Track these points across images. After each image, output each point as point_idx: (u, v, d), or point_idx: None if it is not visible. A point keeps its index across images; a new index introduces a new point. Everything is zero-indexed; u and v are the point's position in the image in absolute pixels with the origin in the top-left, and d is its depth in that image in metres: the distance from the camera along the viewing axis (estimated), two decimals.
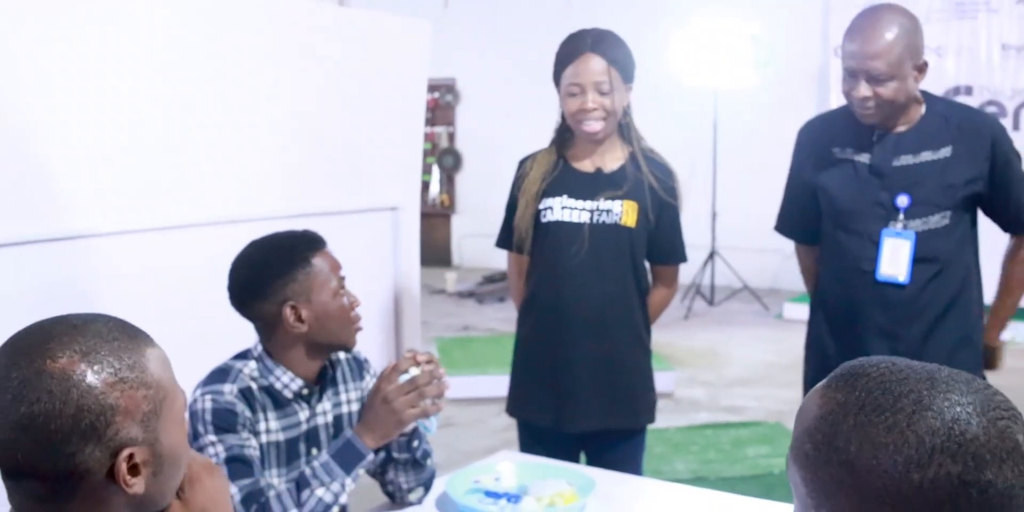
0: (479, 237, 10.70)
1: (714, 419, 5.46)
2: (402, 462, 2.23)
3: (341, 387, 2.28)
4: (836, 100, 8.68)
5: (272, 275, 2.13)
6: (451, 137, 10.98)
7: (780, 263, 9.08)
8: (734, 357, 6.96)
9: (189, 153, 2.98)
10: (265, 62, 3.19)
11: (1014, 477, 0.96)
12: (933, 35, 8.14)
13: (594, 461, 2.77)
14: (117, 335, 1.19)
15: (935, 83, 8.05)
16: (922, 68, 2.55)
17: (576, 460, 2.80)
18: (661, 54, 7.79)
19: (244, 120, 3.14)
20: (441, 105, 10.82)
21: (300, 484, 2.06)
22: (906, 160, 2.61)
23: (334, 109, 3.47)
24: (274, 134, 3.27)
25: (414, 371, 2.12)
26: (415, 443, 2.22)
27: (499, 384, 5.61)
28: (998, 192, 2.62)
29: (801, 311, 8.11)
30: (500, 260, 11.31)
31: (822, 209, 2.75)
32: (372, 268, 3.71)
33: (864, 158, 2.65)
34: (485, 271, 9.96)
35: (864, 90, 2.51)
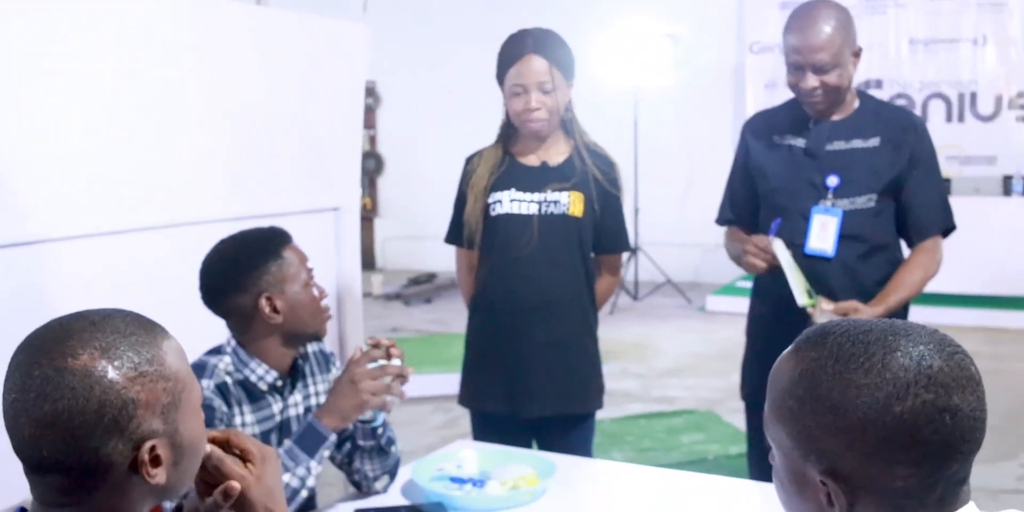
0: (402, 239, 10.74)
1: (647, 409, 5.59)
2: (367, 450, 2.29)
3: (310, 380, 2.35)
4: (752, 97, 8.92)
5: (247, 268, 2.19)
6: (372, 140, 11.00)
7: (701, 257, 9.28)
8: (662, 349, 7.11)
9: (131, 158, 2.98)
10: (206, 65, 3.21)
11: (975, 401, 1.12)
12: None
13: (546, 447, 2.85)
14: (134, 330, 1.22)
15: None
16: (858, 53, 2.76)
17: (528, 447, 2.88)
18: (583, 55, 7.87)
19: (186, 124, 3.16)
20: None
21: None
22: (838, 145, 2.81)
23: (275, 112, 3.50)
24: (216, 137, 3.29)
25: (383, 362, 2.19)
26: (380, 430, 2.28)
27: (434, 383, 5.71)
28: (907, 191, 2.81)
29: (724, 303, 8.33)
30: (425, 262, 11.30)
31: (760, 193, 2.92)
32: (315, 269, 3.74)
33: (800, 142, 2.84)
34: (410, 273, 10.00)
35: (812, 81, 2.70)
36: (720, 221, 3.09)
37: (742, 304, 9.22)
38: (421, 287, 9.38)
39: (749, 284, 9.56)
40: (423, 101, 10.31)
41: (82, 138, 2.82)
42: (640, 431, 5.12)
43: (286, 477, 2.10)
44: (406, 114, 10.58)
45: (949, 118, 8.42)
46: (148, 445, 1.19)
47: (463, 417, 5.46)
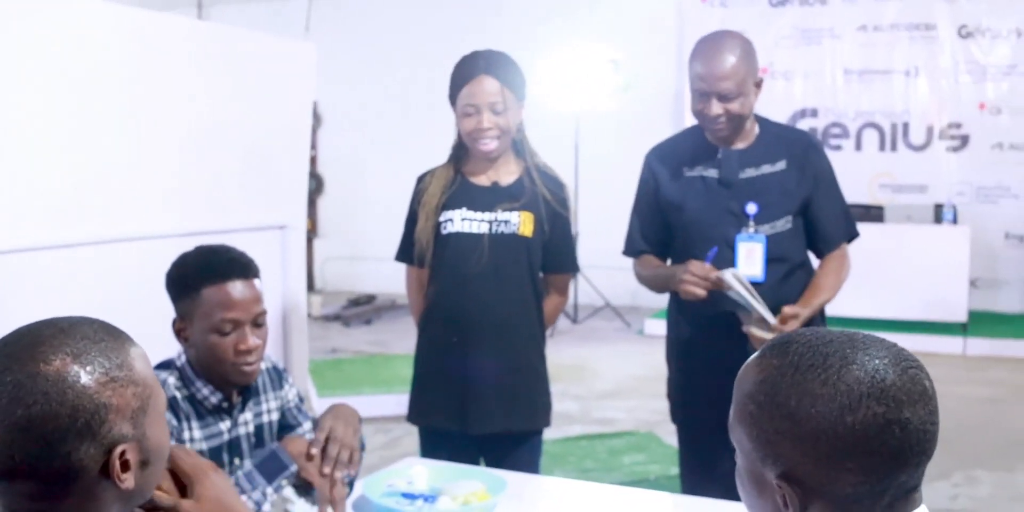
0: (342, 260, 10.71)
1: (588, 430, 5.62)
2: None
3: (263, 397, 2.32)
4: (690, 121, 9.03)
5: (171, 286, 2.17)
6: (312, 160, 10.97)
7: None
8: (601, 371, 7.15)
9: (79, 172, 2.98)
10: (153, 82, 3.21)
11: (926, 415, 1.18)
12: (781, 60, 8.58)
13: (494, 464, 2.86)
14: (103, 336, 1.24)
15: (784, 105, 8.47)
16: (759, 84, 2.84)
17: (476, 464, 2.89)
18: (527, 78, 7.96)
19: (133, 139, 3.15)
20: None
21: None
22: (750, 173, 2.89)
23: (222, 128, 3.51)
24: (164, 154, 3.28)
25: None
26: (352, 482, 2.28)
27: (373, 404, 5.70)
28: (813, 207, 2.91)
29: (662, 327, 8.36)
30: (364, 283, 11.26)
31: (675, 224, 2.97)
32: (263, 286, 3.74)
33: (712, 173, 2.90)
34: (349, 294, 9.98)
35: (716, 108, 2.77)
36: (630, 252, 3.14)
37: None
38: (361, 308, 9.35)
39: None
40: (364, 121, 10.32)
41: (27, 153, 2.81)
42: (582, 452, 5.15)
43: (242, 499, 2.09)
44: (347, 134, 10.58)
45: (882, 147, 8.61)
46: (119, 450, 1.20)
47: (405, 437, 5.46)
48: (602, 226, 9.37)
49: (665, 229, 3.02)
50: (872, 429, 1.15)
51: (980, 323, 7.78)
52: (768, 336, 2.69)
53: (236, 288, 2.12)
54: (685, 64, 10.09)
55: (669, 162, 2.99)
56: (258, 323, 2.17)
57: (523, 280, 2.91)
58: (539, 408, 2.97)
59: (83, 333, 1.22)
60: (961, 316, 7.62)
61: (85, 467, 1.18)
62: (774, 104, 8.20)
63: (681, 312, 3.02)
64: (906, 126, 8.49)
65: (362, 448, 2.34)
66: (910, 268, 7.50)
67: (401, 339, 8.09)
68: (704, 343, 2.94)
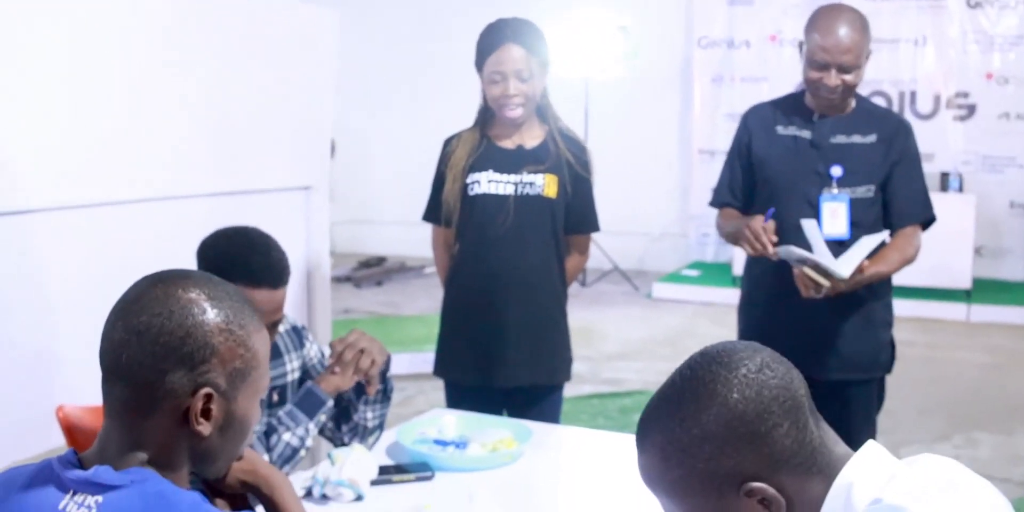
0: (352, 223, 10.80)
1: (598, 390, 5.76)
2: (375, 396, 2.42)
3: (284, 358, 2.46)
4: (699, 91, 9.11)
5: (201, 265, 2.26)
6: None
7: (648, 245, 9.48)
8: (610, 334, 7.27)
9: (115, 134, 3.07)
10: (182, 44, 3.30)
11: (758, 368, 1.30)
12: (791, 28, 8.60)
13: (517, 416, 2.98)
14: (243, 302, 1.37)
15: (793, 73, 8.45)
16: (869, 56, 2.96)
17: (500, 415, 3.02)
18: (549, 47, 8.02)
19: (161, 100, 3.23)
20: None
21: (268, 432, 2.23)
22: (840, 139, 3.02)
23: (251, 93, 3.60)
24: (193, 116, 3.37)
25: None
26: (387, 373, 2.45)
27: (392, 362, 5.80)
28: (892, 183, 3.03)
29: (669, 291, 8.53)
30: (374, 245, 11.28)
31: (760, 179, 3.11)
32: (286, 246, 3.84)
33: (805, 134, 3.04)
34: (359, 256, 10.08)
35: (834, 79, 2.90)
36: (715, 203, 3.25)
37: (687, 291, 9.38)
38: (371, 270, 9.46)
39: (694, 273, 9.70)
40: (374, 85, 10.37)
41: (62, 114, 2.90)
42: (593, 410, 5.29)
43: (286, 436, 2.23)
44: (359, 99, 10.63)
45: None
46: (206, 390, 1.30)
47: (418, 396, 5.60)
48: (611, 191, 9.39)
49: (751, 185, 3.15)
50: (759, 390, 1.27)
51: (984, 290, 7.88)
52: (822, 280, 2.82)
53: (262, 295, 2.19)
54: (693, 31, 10.00)
55: (765, 120, 3.13)
56: (273, 326, 2.26)
57: (546, 240, 3.03)
58: (561, 362, 3.11)
59: (227, 289, 1.36)
60: (965, 283, 7.72)
61: (173, 391, 1.29)
62: (783, 71, 8.27)
63: (749, 266, 3.18)
64: (913, 95, 8.54)
65: (392, 391, 2.45)
66: None
67: (411, 300, 8.21)
68: (764, 298, 3.08)
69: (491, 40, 2.97)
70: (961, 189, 8.00)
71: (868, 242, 2.92)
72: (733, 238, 3.10)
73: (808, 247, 2.86)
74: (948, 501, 1.22)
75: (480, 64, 2.99)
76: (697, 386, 1.28)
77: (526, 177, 2.99)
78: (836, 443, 1.32)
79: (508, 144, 3.04)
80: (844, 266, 2.83)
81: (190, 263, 2.29)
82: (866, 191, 3.00)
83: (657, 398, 1.34)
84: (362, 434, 2.47)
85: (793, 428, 1.26)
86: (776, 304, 2.99)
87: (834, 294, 2.87)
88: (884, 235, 2.97)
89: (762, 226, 2.88)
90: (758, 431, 1.25)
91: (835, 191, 2.99)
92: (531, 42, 2.96)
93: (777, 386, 1.27)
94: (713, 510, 1.29)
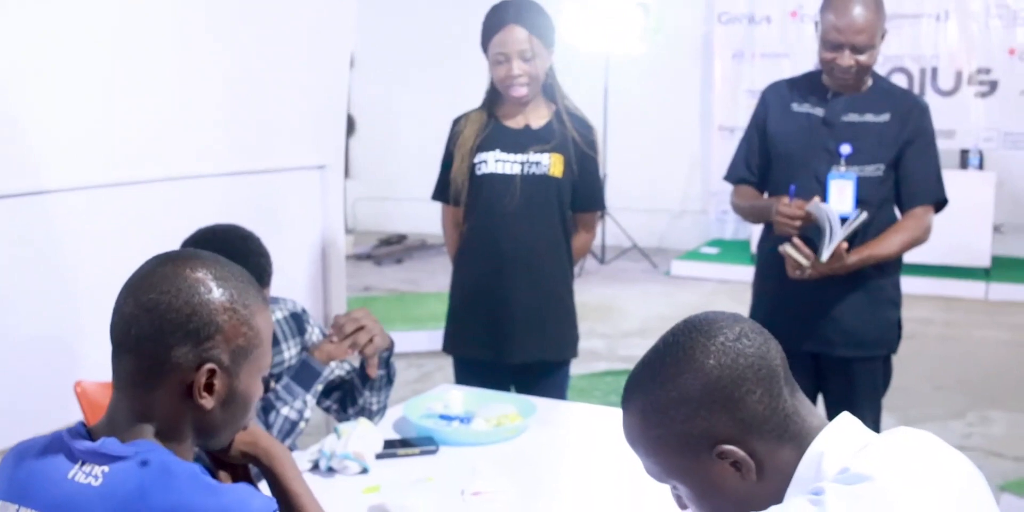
0: (373, 201, 10.86)
1: (613, 367, 5.80)
2: (377, 380, 2.47)
3: (282, 346, 2.50)
4: (719, 67, 9.08)
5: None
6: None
7: (668, 223, 9.49)
8: (627, 311, 7.31)
9: (122, 115, 3.11)
10: (201, 26, 3.34)
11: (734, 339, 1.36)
12: (812, 3, 8.55)
13: (524, 392, 3.04)
14: (249, 282, 1.43)
15: (814, 49, 8.46)
16: (884, 36, 2.98)
17: (508, 391, 3.07)
18: (555, 21, 8.01)
19: (177, 80, 3.28)
20: None
21: (265, 409, 2.28)
22: (852, 117, 3.04)
23: (267, 72, 3.64)
24: (209, 96, 3.42)
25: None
26: (389, 359, 2.48)
27: (405, 340, 5.86)
28: (904, 162, 3.04)
29: (688, 268, 8.55)
30: (394, 223, 11.34)
31: (774, 155, 3.15)
32: (302, 224, 3.91)
33: (819, 112, 3.07)
34: (380, 234, 10.14)
35: (848, 59, 2.93)
36: (730, 178, 3.28)
37: (706, 269, 9.39)
38: (392, 247, 9.53)
39: (713, 250, 9.68)
40: (396, 63, 10.39)
41: (83, 98, 2.95)
42: (607, 387, 5.33)
43: (284, 410, 2.28)
44: (380, 77, 10.66)
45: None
46: (209, 366, 1.36)
47: (436, 372, 5.66)
48: (630, 168, 9.48)
49: (767, 161, 3.19)
50: (735, 357, 1.33)
51: (1003, 268, 7.87)
52: (801, 259, 2.90)
53: None
54: (714, 7, 9.95)
55: (782, 97, 3.16)
56: None
57: (553, 218, 3.07)
58: (568, 339, 3.16)
59: (234, 270, 1.42)
60: (984, 261, 7.71)
61: (178, 365, 1.35)
62: (803, 48, 8.24)
63: (762, 242, 3.22)
64: (935, 71, 8.48)
65: (395, 376, 2.50)
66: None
67: (431, 277, 8.27)
68: (776, 274, 3.08)
69: (494, 21, 3.02)
70: (981, 166, 7.96)
71: (846, 227, 2.92)
72: (756, 215, 3.15)
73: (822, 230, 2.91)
74: (916, 470, 1.26)
75: (485, 45, 3.04)
76: (677, 352, 1.35)
77: (532, 157, 3.03)
78: (811, 414, 1.37)
79: (515, 124, 3.08)
80: (828, 249, 2.88)
81: None
82: (875, 170, 3.02)
83: (642, 363, 1.41)
84: (368, 416, 2.52)
85: (766, 395, 1.32)
86: (785, 280, 3.02)
87: (818, 275, 2.92)
88: (863, 217, 2.95)
89: (791, 208, 2.93)
90: (732, 396, 1.31)
91: (843, 169, 3.02)
92: (534, 22, 3.00)
93: (753, 355, 1.33)
94: (688, 470, 1.36)
